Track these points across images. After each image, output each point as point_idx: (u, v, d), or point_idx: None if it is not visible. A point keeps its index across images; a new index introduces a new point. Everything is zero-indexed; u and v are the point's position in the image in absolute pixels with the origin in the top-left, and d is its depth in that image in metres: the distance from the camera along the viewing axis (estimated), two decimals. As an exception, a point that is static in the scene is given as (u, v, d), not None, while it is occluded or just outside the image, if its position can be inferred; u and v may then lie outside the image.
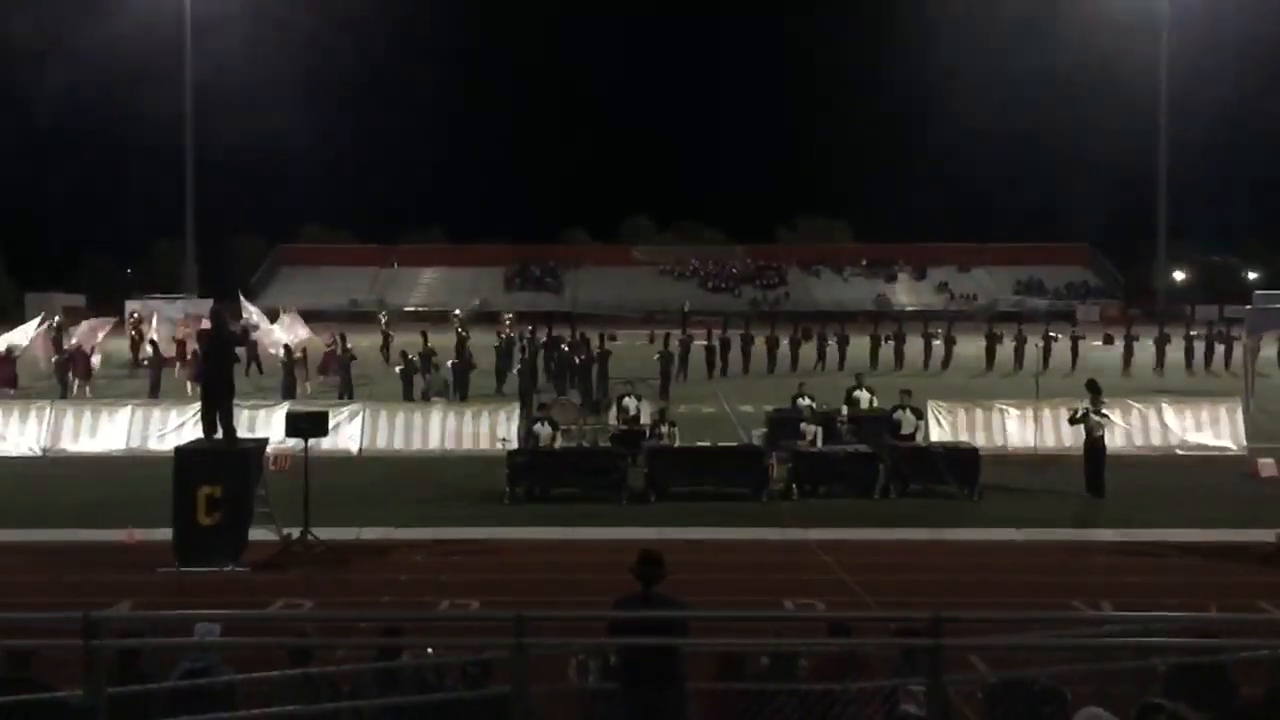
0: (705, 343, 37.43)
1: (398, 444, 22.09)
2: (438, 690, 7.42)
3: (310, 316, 40.41)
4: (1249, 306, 31.45)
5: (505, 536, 15.43)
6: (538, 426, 18.61)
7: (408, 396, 27.03)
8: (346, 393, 28.04)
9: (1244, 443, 21.50)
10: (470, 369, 28.84)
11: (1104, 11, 69.69)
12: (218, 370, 14.93)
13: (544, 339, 34.83)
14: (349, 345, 31.20)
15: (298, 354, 30.76)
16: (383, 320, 45.13)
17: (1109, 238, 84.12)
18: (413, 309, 72.16)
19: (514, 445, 19.44)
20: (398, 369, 28.62)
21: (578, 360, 29.86)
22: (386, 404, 24.06)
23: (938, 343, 40.42)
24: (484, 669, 7.47)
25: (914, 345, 40.39)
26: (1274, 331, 31.81)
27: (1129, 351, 37.93)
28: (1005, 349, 38.86)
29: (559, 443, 18.77)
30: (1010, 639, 7.23)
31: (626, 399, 22.05)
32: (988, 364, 38.84)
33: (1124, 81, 77.13)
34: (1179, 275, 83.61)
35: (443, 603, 12.08)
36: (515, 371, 29.49)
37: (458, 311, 51.03)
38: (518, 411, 22.10)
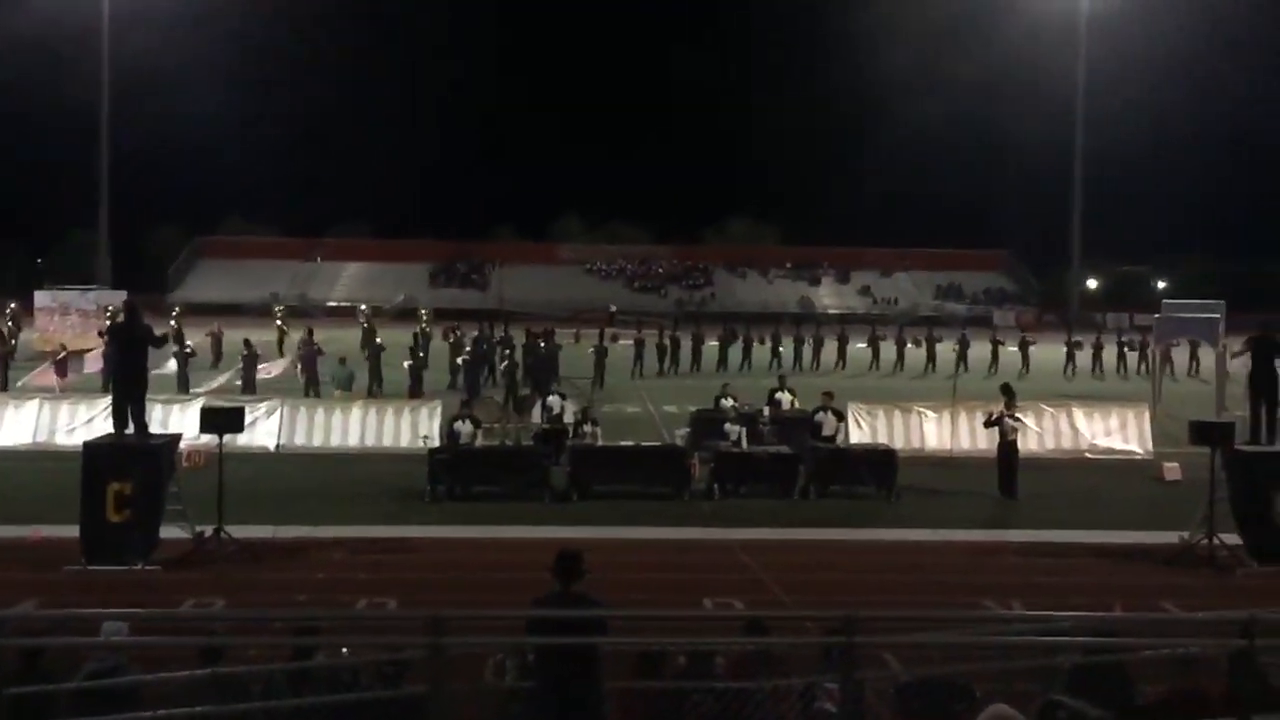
0: (631, 342, 37.67)
1: (317, 441, 21.76)
2: (353, 690, 7.34)
3: (229, 310, 39.80)
4: (1157, 315, 32.46)
5: (425, 535, 15.31)
6: (459, 424, 18.48)
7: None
8: (312, 388, 27.62)
9: (1150, 447, 22.13)
10: (375, 364, 28.73)
11: (1025, 22, 71.26)
12: (130, 364, 14.58)
13: (498, 337, 34.72)
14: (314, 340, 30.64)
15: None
16: (278, 314, 44.63)
17: (1027, 245, 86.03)
18: (335, 304, 71.23)
19: (435, 443, 19.28)
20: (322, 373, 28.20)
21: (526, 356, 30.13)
22: (305, 400, 23.72)
23: (861, 345, 41.12)
24: (400, 669, 7.40)
25: (852, 347, 41.29)
26: (1186, 339, 32.85)
27: (1028, 354, 39.27)
28: (923, 352, 39.59)
29: (480, 441, 18.66)
30: (922, 637, 7.38)
31: (550, 398, 22.01)
32: (898, 366, 40.02)
33: (1044, 92, 78.91)
34: (1092, 283, 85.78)
35: (360, 602, 11.95)
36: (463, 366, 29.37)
37: (364, 306, 50.76)
38: (440, 409, 21.91)
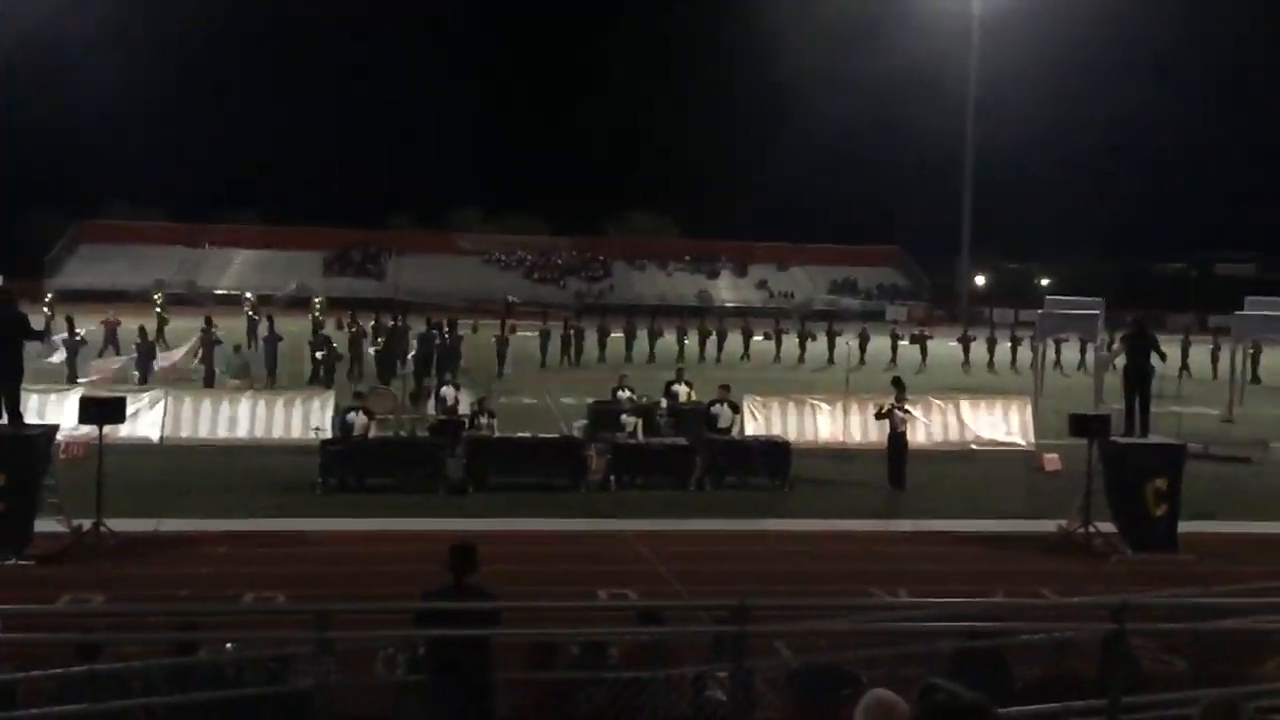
0: (535, 334, 37.62)
1: (204, 432, 21.16)
2: (237, 686, 7.18)
3: (112, 297, 38.42)
4: (1040, 311, 33.56)
5: (316, 528, 15.04)
6: (352, 415, 18.18)
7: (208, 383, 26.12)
8: (209, 379, 26.84)
9: (1032, 438, 22.85)
10: (272, 354, 28.26)
11: (921, 21, 72.87)
12: (3, 353, 13.98)
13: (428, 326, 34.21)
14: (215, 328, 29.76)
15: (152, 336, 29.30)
16: (157, 301, 43.38)
17: (918, 242, 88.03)
18: (224, 292, 69.31)
19: (328, 434, 18.94)
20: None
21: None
22: (191, 391, 23.07)
23: (758, 337, 41.63)
24: (286, 664, 7.26)
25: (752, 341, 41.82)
26: (1072, 333, 34.01)
27: (926, 347, 40.32)
28: (823, 345, 40.33)
29: (374, 432, 18.38)
30: (811, 625, 7.52)
31: (445, 388, 21.78)
32: (800, 359, 40.41)
33: (938, 92, 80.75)
34: (980, 279, 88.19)
35: (246, 597, 11.68)
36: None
37: (249, 295, 49.68)
38: (332, 400, 21.51)
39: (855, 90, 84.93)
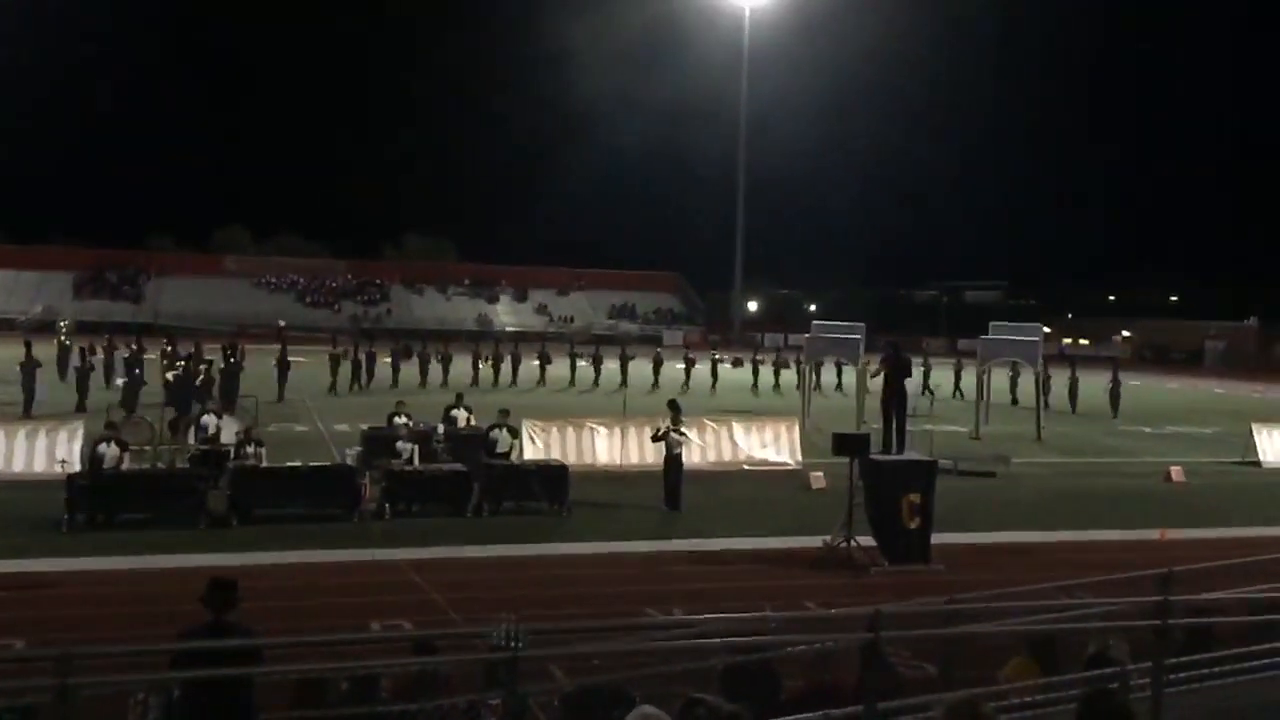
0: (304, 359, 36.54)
1: (-70, 468, 19.37)
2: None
3: None
4: (808, 335, 35.09)
5: (61, 569, 13.98)
6: (103, 447, 17.04)
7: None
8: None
9: (800, 457, 23.82)
10: (29, 381, 26.24)
11: (699, 55, 75.38)
12: None
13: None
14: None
15: None
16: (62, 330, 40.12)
17: (694, 269, 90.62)
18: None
19: (75, 468, 17.68)
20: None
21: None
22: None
23: (534, 362, 41.90)
24: (25, 715, 6.71)
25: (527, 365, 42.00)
26: (831, 356, 35.70)
27: (691, 371, 41.90)
28: (605, 369, 41.00)
29: (127, 464, 17.30)
30: (584, 647, 7.55)
31: (205, 416, 20.75)
32: (571, 382, 41.19)
33: (713, 126, 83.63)
34: (752, 305, 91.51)
35: (-21, 645, 10.72)
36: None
37: (64, 323, 46.17)
38: (81, 431, 20.11)
39: (635, 120, 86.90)
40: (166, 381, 27.91)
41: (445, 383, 37.50)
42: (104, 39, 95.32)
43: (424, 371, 39.62)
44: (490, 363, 41.35)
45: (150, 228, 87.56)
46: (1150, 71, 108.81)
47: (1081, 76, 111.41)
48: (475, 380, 39.28)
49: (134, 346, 31.45)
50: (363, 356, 38.00)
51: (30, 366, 27.43)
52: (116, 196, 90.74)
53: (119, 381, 29.22)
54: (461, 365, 40.71)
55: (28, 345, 28.55)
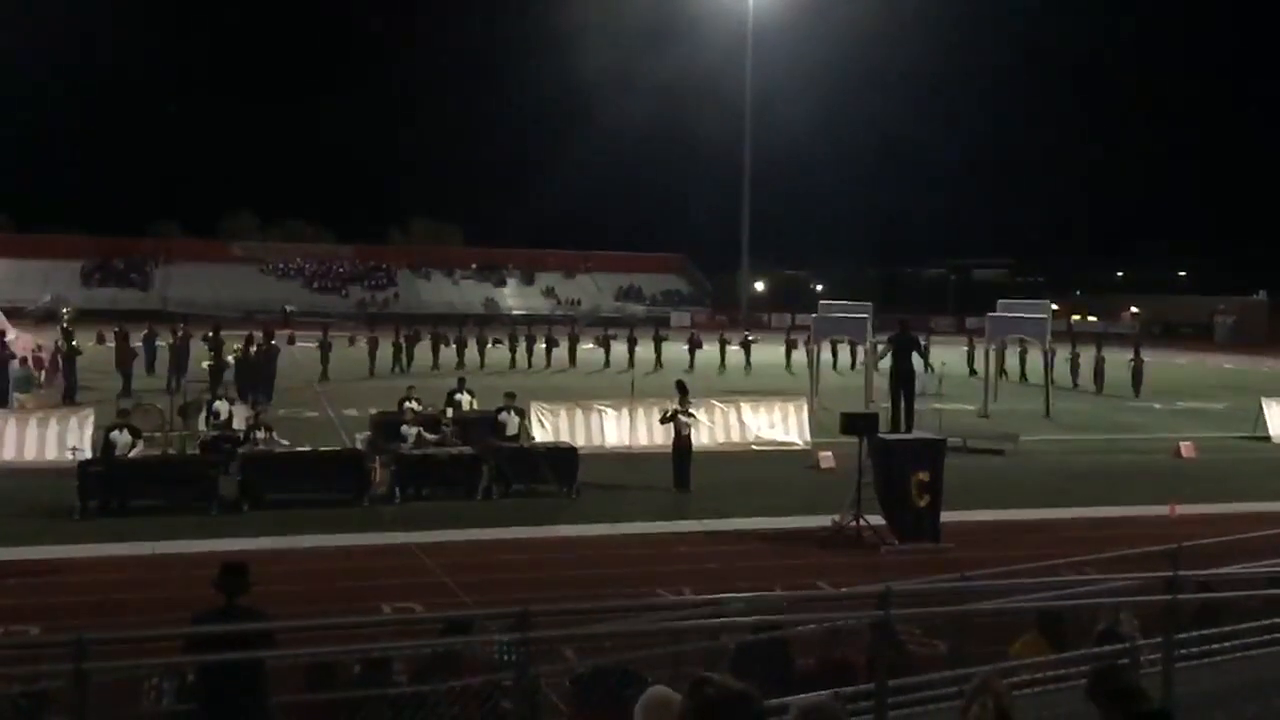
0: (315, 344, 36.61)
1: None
2: (-18, 729, 6.65)
3: None
4: (815, 315, 35.03)
5: (75, 555, 14.06)
6: (115, 434, 17.10)
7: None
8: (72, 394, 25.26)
9: (808, 437, 23.81)
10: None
11: (703, 34, 75.09)
12: None
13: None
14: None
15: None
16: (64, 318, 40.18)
17: (701, 250, 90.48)
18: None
19: (87, 454, 17.76)
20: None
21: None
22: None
23: (541, 345, 42.00)
24: (39, 700, 6.77)
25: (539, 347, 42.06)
26: (841, 337, 35.61)
27: (695, 352, 41.88)
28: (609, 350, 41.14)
29: (139, 451, 17.36)
30: (596, 628, 7.58)
31: (217, 402, 20.81)
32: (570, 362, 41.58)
33: (718, 105, 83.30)
34: (759, 286, 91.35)
35: (-5, 632, 10.80)
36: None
37: (66, 310, 46.30)
38: (92, 418, 20.19)
39: (640, 101, 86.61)
40: (212, 367, 28.21)
41: (460, 364, 37.52)
42: (110, 25, 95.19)
43: (436, 354, 39.70)
44: (506, 344, 41.60)
45: (157, 215, 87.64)
46: (1154, 42, 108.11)
47: (1084, 49, 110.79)
48: (482, 364, 39.39)
49: (179, 332, 31.99)
50: (403, 340, 38.71)
51: (70, 355, 27.65)
52: (123, 184, 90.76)
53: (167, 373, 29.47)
54: (472, 349, 40.77)
55: (68, 333, 28.75)
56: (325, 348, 35.97)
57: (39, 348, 29.55)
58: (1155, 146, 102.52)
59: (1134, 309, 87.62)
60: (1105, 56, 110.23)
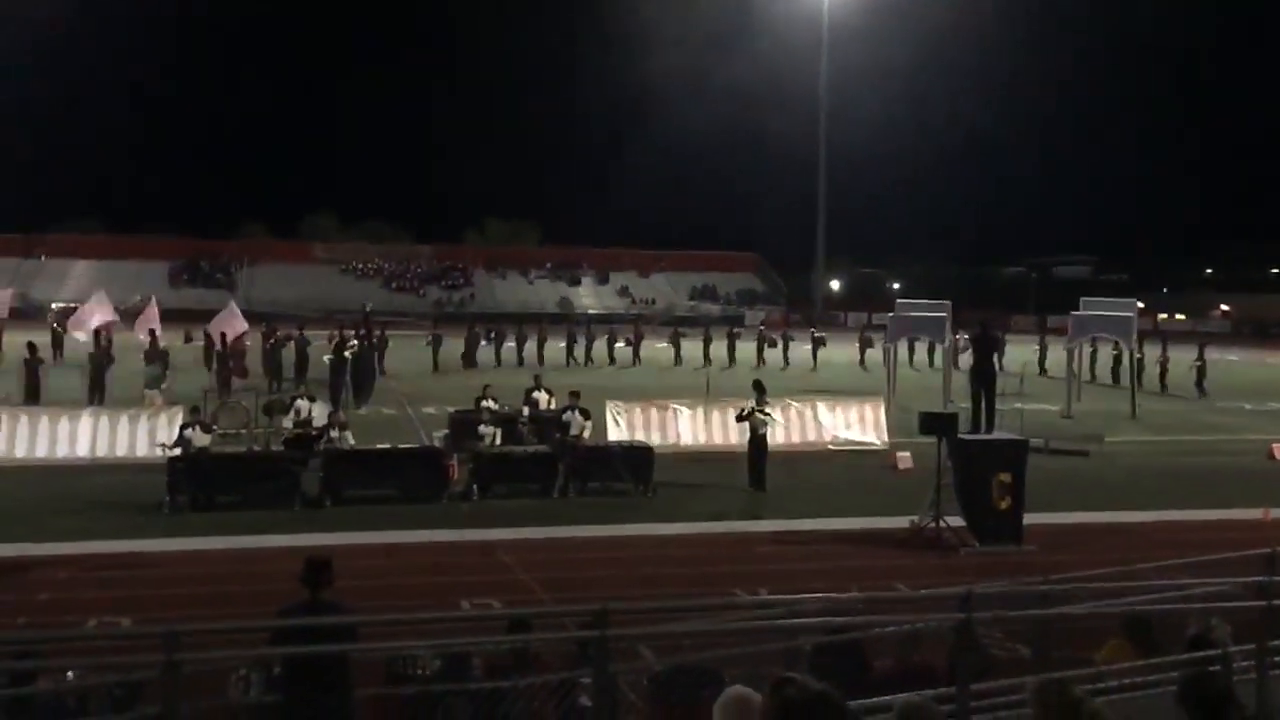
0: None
1: (40, 452, 20.05)
2: (79, 716, 6.86)
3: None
4: (891, 314, 34.62)
5: (164, 549, 14.45)
6: (188, 432, 17.56)
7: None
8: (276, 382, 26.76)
9: (885, 437, 23.54)
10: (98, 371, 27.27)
11: (778, 33, 74.66)
12: None
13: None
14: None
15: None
16: (51, 315, 41.45)
17: (775, 249, 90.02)
18: (62, 305, 66.04)
19: (176, 451, 18.23)
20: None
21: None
22: (26, 409, 21.85)
23: (620, 344, 42.16)
24: (132, 690, 6.96)
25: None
26: (924, 335, 35.11)
27: (764, 350, 41.86)
28: (688, 348, 41.17)
29: (212, 446, 17.78)
30: (673, 627, 7.58)
31: (299, 401, 21.20)
32: (677, 362, 41.50)
33: (793, 103, 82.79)
34: (834, 284, 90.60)
35: (89, 623, 11.14)
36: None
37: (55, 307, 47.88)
38: (180, 416, 20.68)
39: (715, 101, 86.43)
40: (333, 362, 28.70)
41: (540, 361, 37.98)
42: (198, 34, 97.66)
43: (520, 352, 40.25)
44: (592, 343, 41.98)
45: (242, 216, 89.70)
46: (1243, 38, 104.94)
47: (1173, 46, 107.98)
48: (568, 362, 39.92)
49: (298, 331, 32.80)
50: (432, 339, 39.30)
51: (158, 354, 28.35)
52: (210, 186, 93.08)
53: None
54: (553, 347, 41.18)
55: (153, 334, 29.52)
56: (436, 342, 38.02)
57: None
58: (1243, 140, 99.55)
59: (1224, 307, 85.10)
60: (1194, 52, 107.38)
